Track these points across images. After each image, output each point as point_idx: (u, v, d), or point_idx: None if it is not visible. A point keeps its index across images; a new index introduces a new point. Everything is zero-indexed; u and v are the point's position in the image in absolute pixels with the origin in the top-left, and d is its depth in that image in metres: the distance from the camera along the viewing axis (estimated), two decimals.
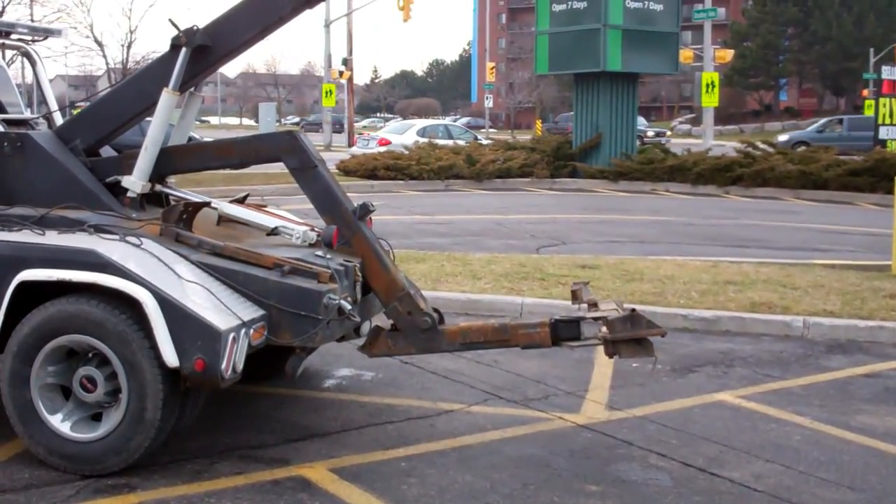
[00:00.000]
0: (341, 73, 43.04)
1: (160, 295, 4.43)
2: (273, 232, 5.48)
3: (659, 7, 23.67)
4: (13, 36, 6.24)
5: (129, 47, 43.22)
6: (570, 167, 24.31)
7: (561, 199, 20.98)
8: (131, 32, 44.15)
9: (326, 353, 6.59)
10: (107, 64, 44.17)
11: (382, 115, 77.35)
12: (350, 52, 43.64)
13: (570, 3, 23.13)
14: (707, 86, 31.62)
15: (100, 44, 41.44)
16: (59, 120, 6.57)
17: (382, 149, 26.70)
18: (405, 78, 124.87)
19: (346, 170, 23.95)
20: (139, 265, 4.56)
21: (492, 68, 63.44)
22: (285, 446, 5.09)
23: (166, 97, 5.34)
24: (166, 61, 5.45)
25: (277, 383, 6.04)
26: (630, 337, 4.82)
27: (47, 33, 6.59)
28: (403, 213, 16.34)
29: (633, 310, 4.89)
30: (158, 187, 5.65)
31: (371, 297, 5.36)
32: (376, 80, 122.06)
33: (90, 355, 4.65)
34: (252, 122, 76.72)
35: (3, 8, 36.38)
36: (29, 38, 6.42)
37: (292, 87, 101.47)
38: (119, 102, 5.70)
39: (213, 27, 5.44)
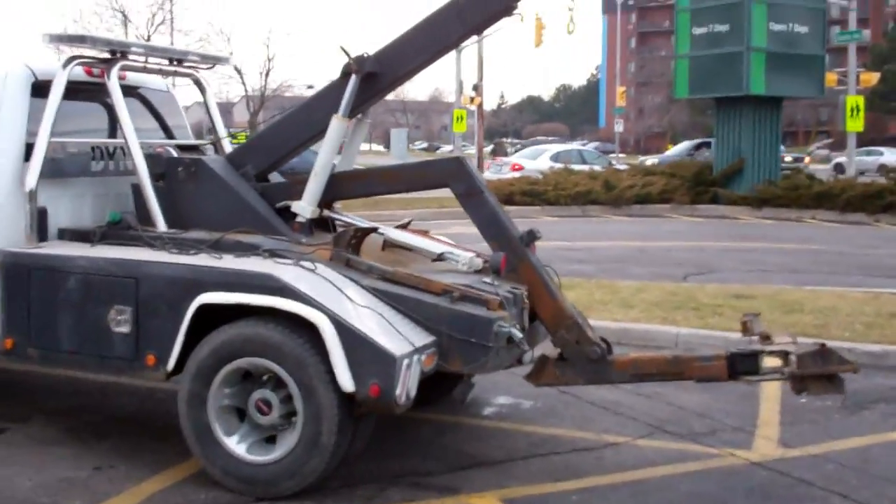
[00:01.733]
0: (472, 99, 43.22)
1: (337, 319, 4.45)
2: (439, 258, 5.46)
3: (804, 29, 22.98)
4: (185, 64, 6.42)
5: (266, 75, 44.50)
6: (710, 193, 23.69)
7: (703, 225, 20.49)
8: (269, 60, 45.31)
9: (482, 379, 6.52)
10: (245, 91, 45.53)
11: (511, 140, 77.42)
12: (480, 79, 43.74)
13: (711, 26, 22.67)
14: (852, 110, 30.49)
15: (239, 71, 42.73)
16: (226, 146, 6.74)
17: (516, 174, 26.63)
18: (532, 103, 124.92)
19: None
20: (315, 290, 4.60)
21: (622, 93, 62.82)
22: (453, 474, 5.03)
23: (336, 123, 5.40)
24: (336, 88, 5.52)
25: (437, 409, 6.01)
26: (820, 373, 4.59)
27: (216, 61, 6.77)
28: (543, 240, 16.14)
29: (823, 344, 4.67)
30: (326, 212, 5.72)
31: (536, 324, 5.27)
32: (503, 106, 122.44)
33: (265, 378, 4.70)
34: (381, 148, 77.93)
35: (148, 38, 37.98)
36: (200, 65, 6.59)
37: (420, 112, 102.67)
38: (288, 129, 5.80)
39: (383, 54, 5.49)
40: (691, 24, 23.01)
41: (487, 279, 5.03)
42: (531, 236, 5.29)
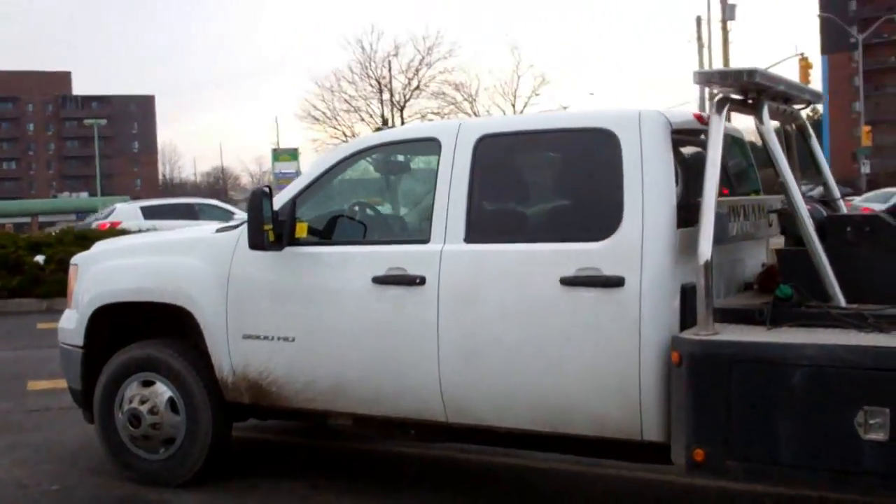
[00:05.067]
0: None
1: None
2: None
3: None
4: (793, 103, 5.33)
5: None
6: None
7: None
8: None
9: None
10: None
11: None
12: None
13: None
14: None
15: None
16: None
17: None
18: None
19: None
20: None
21: (867, 132, 59.11)
22: None
23: None
24: None
25: None
26: None
27: (816, 98, 5.63)
28: None
29: None
30: None
31: None
32: None
33: None
34: None
35: (404, 104, 38.12)
36: (804, 104, 5.49)
37: None
38: None
39: None
40: None
41: None
42: None
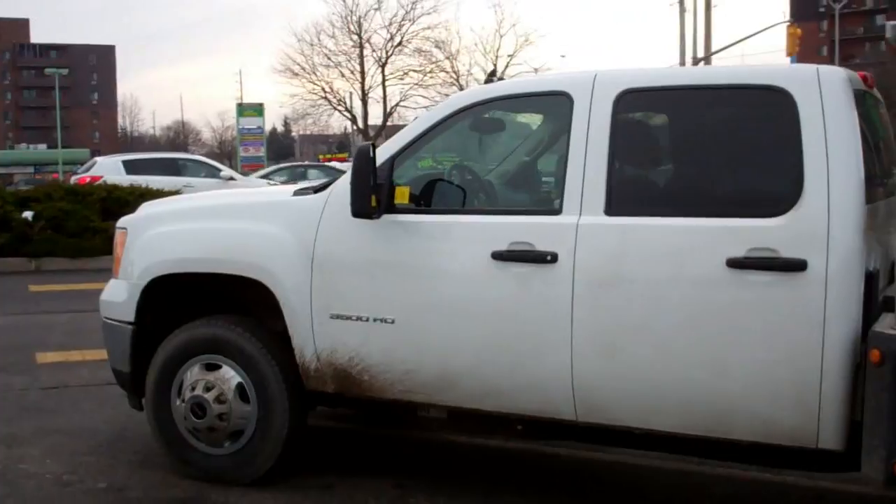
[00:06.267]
0: None
1: None
2: None
3: None
4: None
5: None
6: None
7: None
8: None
9: None
10: None
11: None
12: None
13: None
14: None
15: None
16: None
17: None
18: None
19: None
20: None
21: None
22: None
23: None
24: None
25: None
26: None
27: None
28: None
29: None
30: None
31: None
32: None
33: None
34: None
35: (386, 61, 36.96)
36: None
37: None
38: None
39: None
40: None
41: None
42: None
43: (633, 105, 4.44)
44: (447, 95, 42.53)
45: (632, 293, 4.24)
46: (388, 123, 42.51)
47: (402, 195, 4.70)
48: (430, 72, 38.43)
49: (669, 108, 4.55)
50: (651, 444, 4.55)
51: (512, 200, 5.08)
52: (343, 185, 4.82)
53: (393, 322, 4.68)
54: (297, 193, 5.17)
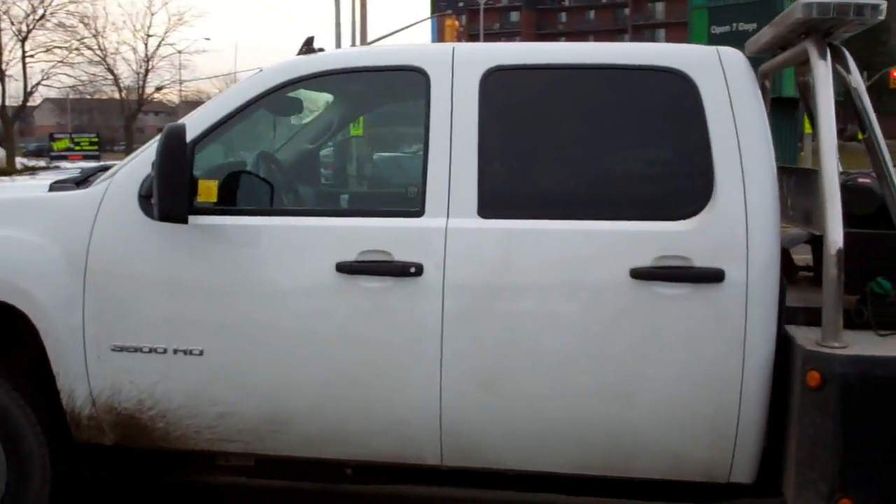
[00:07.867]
0: None
1: None
2: None
3: None
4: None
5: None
6: None
7: None
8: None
9: None
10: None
11: None
12: None
13: (735, 24, 21.45)
14: None
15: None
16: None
17: None
18: None
19: None
20: None
21: None
22: None
23: None
24: None
25: None
26: None
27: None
28: None
29: None
30: None
31: None
32: None
33: None
34: None
35: (27, 34, 33.62)
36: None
37: None
38: None
39: None
40: (710, 22, 21.75)
41: None
42: None
43: (505, 86, 3.69)
44: (94, 75, 39.66)
45: (516, 312, 3.50)
46: (29, 104, 38.60)
47: (207, 192, 3.63)
48: (76, 49, 35.31)
49: (548, 92, 3.81)
50: (529, 485, 3.85)
51: (361, 198, 4.13)
52: (127, 176, 3.67)
53: (201, 353, 3.61)
54: (53, 188, 3.92)
